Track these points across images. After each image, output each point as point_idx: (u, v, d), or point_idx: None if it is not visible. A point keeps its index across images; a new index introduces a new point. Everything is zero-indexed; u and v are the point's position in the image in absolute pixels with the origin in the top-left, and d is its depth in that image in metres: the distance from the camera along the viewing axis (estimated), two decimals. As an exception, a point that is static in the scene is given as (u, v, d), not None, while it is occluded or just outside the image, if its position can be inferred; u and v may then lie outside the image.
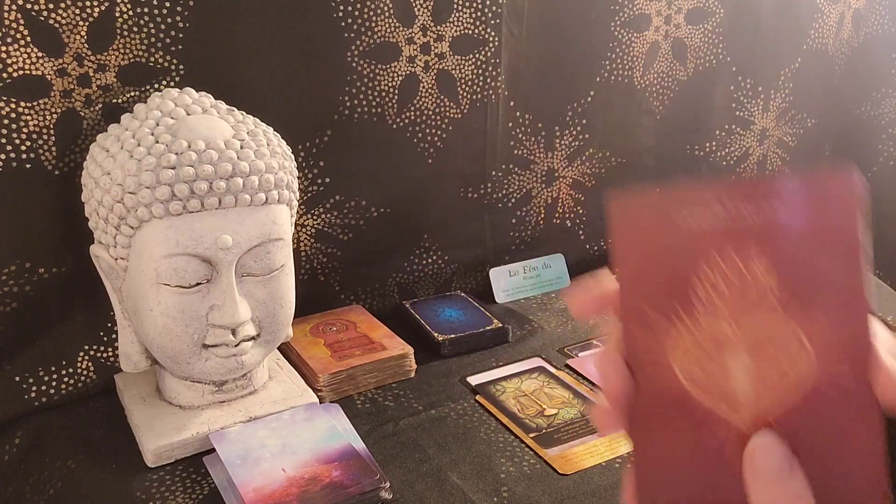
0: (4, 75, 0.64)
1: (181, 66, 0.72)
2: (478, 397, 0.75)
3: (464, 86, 0.89)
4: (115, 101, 0.70)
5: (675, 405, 0.32)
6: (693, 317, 0.31)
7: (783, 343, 0.30)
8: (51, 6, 0.65)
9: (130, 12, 0.68)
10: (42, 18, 0.65)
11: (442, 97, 0.88)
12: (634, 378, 0.32)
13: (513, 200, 0.99)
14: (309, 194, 0.84)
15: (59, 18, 0.65)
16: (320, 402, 0.72)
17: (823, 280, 0.30)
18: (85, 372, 0.75)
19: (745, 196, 0.31)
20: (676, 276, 0.32)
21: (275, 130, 0.68)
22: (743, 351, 0.31)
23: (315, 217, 0.86)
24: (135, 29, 0.69)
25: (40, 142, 0.67)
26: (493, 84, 0.91)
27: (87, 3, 0.66)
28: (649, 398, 0.32)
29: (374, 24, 0.80)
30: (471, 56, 0.88)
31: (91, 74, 0.68)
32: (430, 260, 0.96)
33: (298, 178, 0.76)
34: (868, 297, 0.30)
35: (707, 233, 0.31)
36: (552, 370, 0.80)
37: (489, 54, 0.89)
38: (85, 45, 0.67)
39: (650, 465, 0.33)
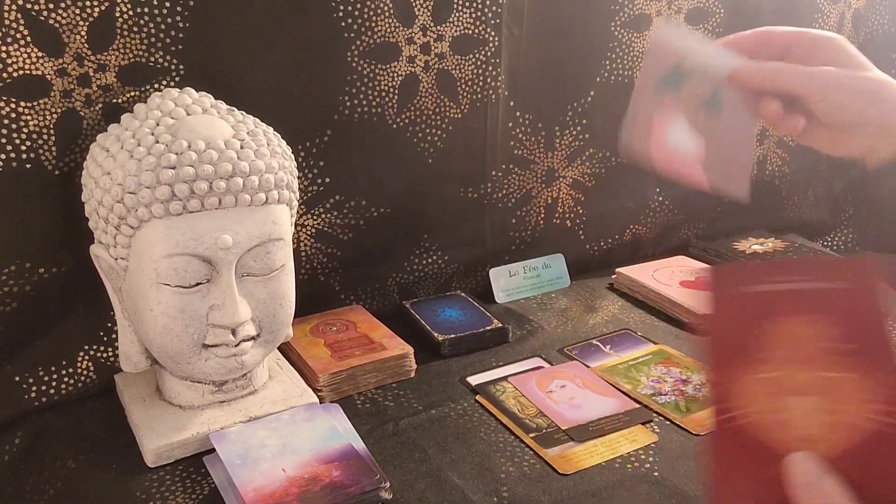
0: (4, 75, 0.64)
1: (181, 66, 0.72)
2: (478, 397, 0.75)
3: (464, 86, 0.89)
4: (115, 101, 0.70)
5: (757, 447, 0.36)
6: (774, 368, 0.37)
7: (842, 388, 0.36)
8: (51, 6, 0.65)
9: (130, 12, 0.68)
10: (42, 18, 0.65)
11: (442, 97, 0.88)
12: (716, 423, 0.38)
13: (513, 200, 0.99)
14: (309, 194, 0.84)
15: (59, 18, 0.65)
16: (320, 402, 0.72)
17: (872, 347, 0.36)
18: (85, 372, 0.75)
19: (820, 273, 0.38)
20: (762, 333, 0.37)
21: (275, 130, 0.68)
22: (814, 395, 0.36)
23: (315, 217, 0.86)
24: (135, 29, 0.69)
25: (40, 142, 0.67)
26: (493, 84, 0.91)
27: (87, 3, 0.66)
28: (732, 440, 0.37)
29: (374, 24, 0.80)
30: (471, 56, 0.88)
31: (91, 74, 0.68)
32: (430, 260, 0.96)
33: (298, 178, 0.76)
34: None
35: (776, 301, 0.38)
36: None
37: (489, 54, 0.89)
38: (85, 45, 0.67)
39: (730, 495, 0.38)
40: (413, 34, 0.83)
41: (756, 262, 0.38)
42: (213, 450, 0.63)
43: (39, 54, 0.65)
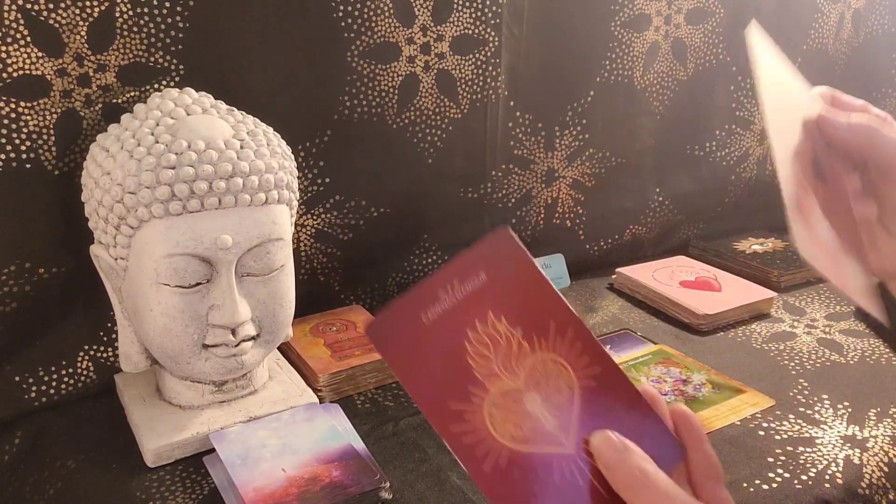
0: (4, 75, 0.64)
1: (181, 66, 0.72)
2: (478, 397, 0.75)
3: (464, 86, 0.89)
4: (115, 101, 0.70)
5: (523, 471, 0.37)
6: (485, 389, 0.37)
7: (547, 370, 0.38)
8: (51, 6, 0.65)
9: (130, 12, 0.68)
10: (42, 18, 0.65)
11: (442, 97, 0.88)
12: (470, 467, 0.37)
13: (513, 200, 0.99)
14: (309, 194, 0.84)
15: (59, 18, 0.65)
16: (320, 402, 0.72)
17: (541, 311, 0.38)
18: (85, 372, 0.75)
19: (456, 276, 0.38)
20: (453, 365, 0.37)
21: (275, 130, 0.68)
22: (528, 392, 0.38)
23: (315, 217, 0.86)
24: (135, 29, 0.69)
25: (40, 142, 0.67)
26: (493, 84, 0.91)
27: (87, 3, 0.66)
28: (503, 480, 0.37)
29: (374, 24, 0.80)
30: (471, 56, 0.88)
31: (91, 74, 0.68)
32: (430, 260, 0.96)
33: (298, 178, 0.76)
34: (570, 308, 0.39)
35: (452, 318, 0.38)
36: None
37: (489, 54, 0.89)
38: (85, 45, 0.67)
39: None
40: (413, 34, 0.83)
41: (403, 297, 0.38)
42: (213, 450, 0.63)
43: (39, 54, 0.65)
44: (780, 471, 0.63)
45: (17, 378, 0.71)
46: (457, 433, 0.37)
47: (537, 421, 0.37)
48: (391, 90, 0.84)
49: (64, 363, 0.73)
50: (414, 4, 0.82)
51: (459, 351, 0.37)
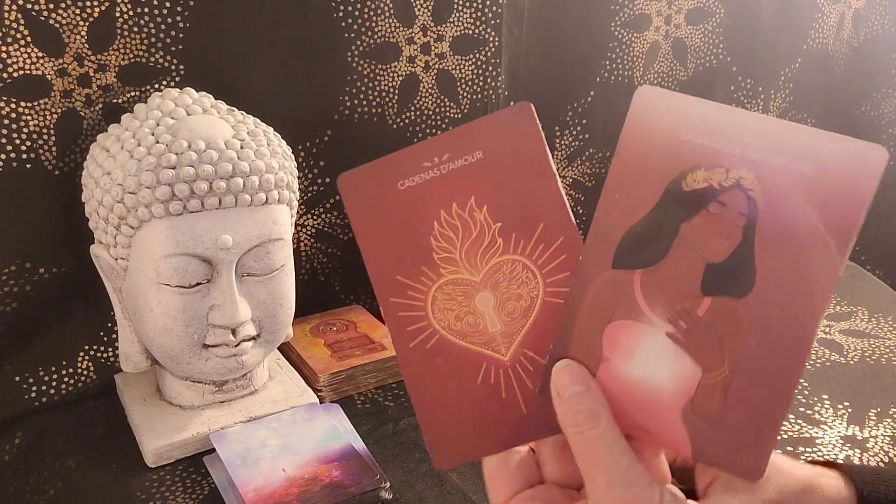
0: (4, 75, 0.64)
1: (181, 66, 0.72)
2: (478, 397, 0.75)
3: (464, 86, 0.89)
4: (115, 101, 0.70)
5: (447, 360, 0.36)
6: (438, 273, 0.36)
7: (513, 274, 0.36)
8: (51, 6, 0.65)
9: (130, 12, 0.68)
10: (42, 18, 0.65)
11: (442, 97, 0.88)
12: (396, 342, 0.36)
13: (513, 200, 0.99)
14: (309, 194, 0.84)
15: (59, 18, 0.65)
16: (320, 402, 0.72)
17: (533, 209, 0.35)
18: (85, 372, 0.75)
19: (448, 149, 0.35)
20: (414, 240, 0.36)
21: (275, 130, 0.68)
22: (484, 290, 0.36)
23: (315, 217, 0.86)
24: (135, 29, 0.69)
25: (40, 142, 0.67)
26: (493, 84, 0.91)
27: (87, 3, 0.66)
28: (423, 361, 0.36)
29: (374, 24, 0.80)
30: (471, 56, 0.88)
31: (91, 74, 0.68)
32: (430, 260, 0.96)
33: (298, 178, 0.76)
34: (570, 215, 0.35)
35: (429, 192, 0.35)
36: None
37: (489, 54, 0.89)
38: (85, 45, 0.67)
39: (439, 424, 0.36)
40: (413, 34, 0.83)
41: (386, 157, 0.36)
42: (213, 450, 0.63)
43: (39, 54, 0.65)
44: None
45: (17, 378, 0.71)
46: (394, 304, 0.36)
47: (481, 320, 0.36)
48: (391, 90, 0.84)
49: (64, 363, 0.73)
50: (414, 4, 0.82)
51: (425, 228, 0.35)
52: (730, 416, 0.33)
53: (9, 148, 0.66)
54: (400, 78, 0.84)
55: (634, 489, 0.31)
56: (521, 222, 0.35)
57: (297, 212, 0.83)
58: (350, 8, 0.78)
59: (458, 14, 0.85)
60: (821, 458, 0.64)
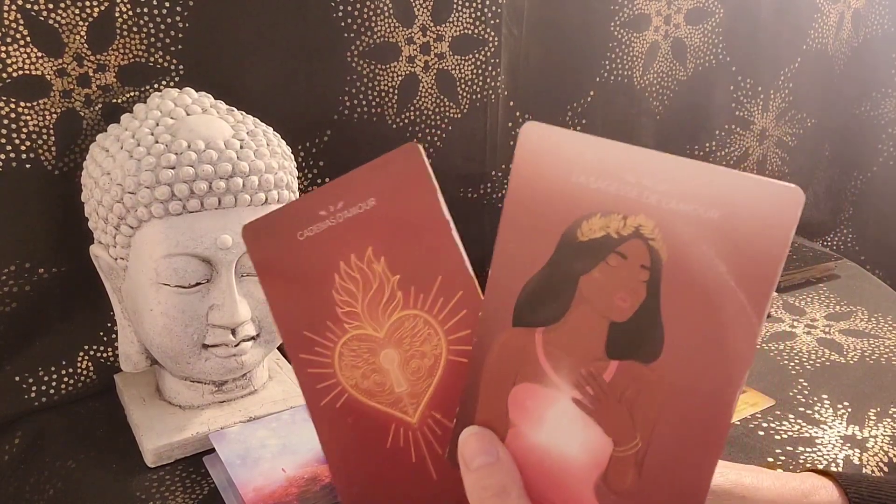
0: (4, 75, 0.64)
1: (181, 66, 0.72)
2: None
3: (464, 86, 0.89)
4: (114, 101, 0.70)
5: (357, 420, 0.34)
6: (343, 329, 0.33)
7: (415, 330, 0.33)
8: (50, 6, 0.65)
9: (130, 12, 0.68)
10: (42, 18, 0.65)
11: (442, 97, 0.88)
12: (308, 399, 0.34)
13: (513, 200, 0.99)
14: (309, 194, 0.84)
15: (58, 18, 0.65)
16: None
17: (430, 260, 0.33)
18: (85, 372, 0.75)
19: (342, 196, 0.33)
20: (317, 293, 0.33)
21: (275, 130, 0.68)
22: (388, 346, 0.33)
23: (315, 217, 0.86)
24: (135, 29, 0.69)
25: (40, 142, 0.67)
26: (493, 84, 0.91)
27: (87, 3, 0.66)
28: (335, 421, 0.34)
29: (373, 24, 0.80)
30: (471, 56, 0.88)
31: (91, 74, 0.68)
32: (429, 260, 0.96)
33: (298, 178, 0.76)
34: (467, 267, 0.33)
35: (327, 243, 0.33)
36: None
37: (489, 54, 0.89)
38: (85, 45, 0.67)
39: (352, 487, 0.34)
40: (413, 34, 0.83)
41: (286, 206, 0.34)
42: (213, 450, 0.63)
43: (39, 54, 0.65)
44: (780, 471, 0.63)
45: (17, 378, 0.71)
46: (304, 360, 0.34)
47: (387, 379, 0.33)
48: (391, 90, 0.84)
49: (64, 363, 0.73)
50: (414, 4, 0.82)
51: (326, 281, 0.33)
52: (645, 492, 0.29)
53: (8, 148, 0.66)
54: (399, 78, 0.84)
55: None
56: (418, 274, 0.33)
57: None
58: (350, 8, 0.78)
59: (457, 14, 0.85)
60: (819, 462, 0.64)
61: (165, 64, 0.71)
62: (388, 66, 0.83)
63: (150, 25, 0.69)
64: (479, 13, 0.86)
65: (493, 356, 0.31)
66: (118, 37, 0.69)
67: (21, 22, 0.64)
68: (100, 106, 0.70)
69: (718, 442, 0.28)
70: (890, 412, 0.71)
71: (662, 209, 0.28)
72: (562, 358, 0.30)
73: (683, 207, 0.27)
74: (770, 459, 0.64)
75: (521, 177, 0.31)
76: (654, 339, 0.28)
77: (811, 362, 0.81)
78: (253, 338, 0.66)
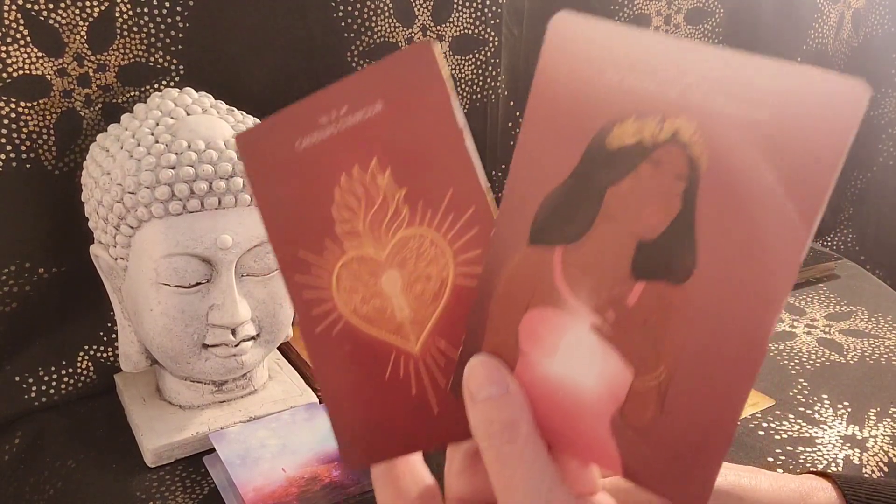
0: (4, 75, 0.64)
1: (181, 66, 0.72)
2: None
3: (464, 86, 0.89)
4: (115, 101, 0.70)
5: (355, 349, 0.31)
6: (342, 249, 0.30)
7: (421, 250, 0.30)
8: (51, 6, 0.65)
9: (130, 12, 0.68)
10: (42, 18, 0.65)
11: (442, 97, 0.88)
12: (302, 326, 0.31)
13: (513, 200, 0.99)
14: (309, 194, 0.84)
15: (58, 18, 0.65)
16: (320, 402, 0.72)
17: (440, 172, 0.29)
18: (85, 372, 0.75)
19: (347, 99, 0.29)
20: (315, 210, 0.30)
21: (275, 130, 0.68)
22: (390, 269, 0.30)
23: (315, 217, 0.86)
24: (135, 29, 0.69)
25: (40, 142, 0.67)
26: (493, 84, 0.91)
27: (87, 3, 0.66)
28: (330, 349, 0.31)
29: (374, 24, 0.80)
30: (471, 56, 0.88)
31: (91, 74, 0.68)
32: (430, 260, 0.96)
33: (298, 178, 0.75)
34: (481, 180, 0.29)
35: (328, 153, 0.30)
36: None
37: (489, 54, 0.89)
38: (85, 45, 0.67)
39: (348, 420, 0.31)
40: (413, 34, 0.83)
41: (282, 111, 0.31)
42: (213, 450, 0.63)
43: (39, 54, 0.65)
44: (779, 471, 0.63)
45: (17, 378, 0.71)
46: (300, 284, 0.31)
47: (388, 304, 0.30)
48: (391, 90, 0.84)
49: (64, 363, 0.73)
50: (414, 4, 0.82)
51: (325, 196, 0.30)
52: (667, 428, 0.26)
53: (8, 148, 0.66)
54: (400, 78, 0.84)
55: None
56: (427, 188, 0.29)
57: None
58: (350, 8, 0.78)
59: (457, 14, 0.85)
60: (819, 462, 0.64)
61: (165, 64, 0.71)
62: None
63: (151, 25, 0.69)
64: (479, 13, 0.86)
65: (506, 277, 0.28)
66: (118, 37, 0.69)
67: (21, 22, 0.64)
68: (100, 106, 0.70)
69: (751, 372, 0.24)
70: (890, 412, 0.71)
71: (706, 109, 0.24)
72: (581, 280, 0.27)
73: (730, 106, 0.24)
74: (770, 459, 0.64)
75: (546, 77, 0.27)
76: (687, 256, 0.25)
77: (811, 362, 0.81)
78: (253, 338, 0.66)
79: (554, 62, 0.27)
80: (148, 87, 0.71)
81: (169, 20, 0.70)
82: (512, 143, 0.96)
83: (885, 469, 0.64)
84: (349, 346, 0.31)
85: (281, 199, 0.31)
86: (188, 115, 0.64)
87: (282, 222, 0.31)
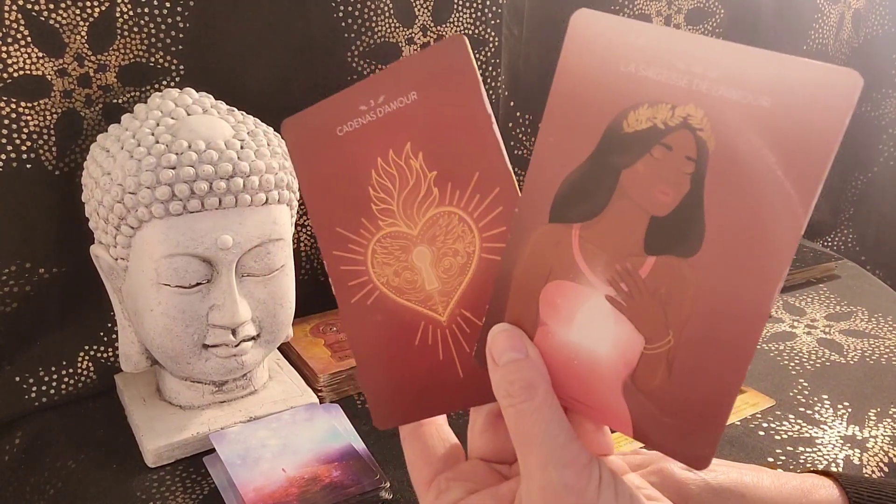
0: (5, 75, 0.64)
1: (181, 67, 0.72)
2: (478, 397, 0.74)
3: (464, 86, 0.89)
4: (115, 101, 0.70)
5: (386, 317, 0.34)
6: (377, 226, 0.34)
7: (450, 227, 0.33)
8: (51, 6, 0.65)
9: (130, 12, 0.68)
10: (42, 19, 0.65)
11: (442, 97, 0.88)
12: (339, 296, 0.34)
13: (513, 200, 0.99)
14: (309, 194, 0.84)
15: (59, 18, 0.65)
16: (320, 402, 0.72)
17: (468, 156, 0.32)
18: (85, 372, 0.75)
19: (384, 90, 0.32)
20: (353, 190, 0.33)
21: (275, 130, 0.68)
22: (421, 244, 0.33)
23: (315, 217, 0.86)
24: (135, 29, 0.69)
25: (40, 142, 0.67)
26: (493, 84, 0.91)
27: (88, 3, 0.66)
28: (364, 318, 0.34)
29: (374, 24, 0.80)
30: (471, 56, 0.88)
31: (91, 74, 0.68)
32: (430, 260, 0.96)
33: (298, 178, 0.75)
34: (506, 163, 0.32)
35: (366, 138, 0.33)
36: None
37: (489, 54, 0.89)
38: (85, 45, 0.67)
39: (379, 383, 0.35)
40: (413, 34, 0.83)
41: (326, 101, 0.34)
42: (213, 450, 0.63)
43: (40, 54, 0.65)
44: (780, 470, 0.63)
45: (17, 378, 0.71)
46: (337, 257, 0.34)
47: (418, 276, 0.33)
48: (391, 90, 0.84)
49: (64, 363, 0.73)
50: (414, 5, 0.82)
51: (363, 177, 0.33)
52: (675, 392, 0.29)
53: (9, 148, 0.66)
54: (400, 78, 0.84)
55: (570, 470, 0.28)
56: (456, 170, 0.33)
57: (297, 212, 0.83)
58: (350, 8, 0.78)
59: (457, 14, 0.85)
60: (820, 462, 0.65)
61: (166, 64, 0.71)
62: (388, 65, 0.83)
63: (151, 25, 0.69)
64: (479, 13, 0.86)
65: (527, 252, 0.31)
66: (119, 37, 0.69)
67: (22, 22, 0.64)
68: (100, 106, 0.70)
69: (753, 340, 0.27)
70: (890, 412, 0.71)
71: (712, 97, 0.27)
72: (597, 254, 0.30)
73: (734, 94, 0.26)
74: (770, 459, 0.64)
75: (567, 69, 0.30)
76: (695, 232, 0.28)
77: (811, 362, 0.81)
78: (253, 338, 0.66)
79: (574, 55, 0.29)
80: (148, 87, 0.71)
81: (169, 20, 0.70)
82: (512, 142, 0.96)
83: (886, 469, 0.64)
84: (381, 316, 0.34)
85: (322, 179, 0.34)
86: (189, 115, 0.64)
87: (322, 201, 0.34)
